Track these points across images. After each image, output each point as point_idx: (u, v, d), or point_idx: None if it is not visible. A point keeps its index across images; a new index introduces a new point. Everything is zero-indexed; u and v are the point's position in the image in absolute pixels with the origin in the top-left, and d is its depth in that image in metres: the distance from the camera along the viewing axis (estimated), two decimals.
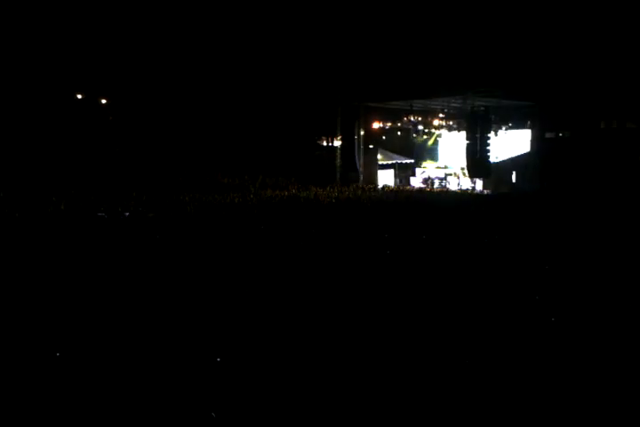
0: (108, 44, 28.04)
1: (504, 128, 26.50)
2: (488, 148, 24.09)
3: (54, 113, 27.02)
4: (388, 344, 6.35)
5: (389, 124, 29.95)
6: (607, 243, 12.19)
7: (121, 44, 28.36)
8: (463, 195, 24.76)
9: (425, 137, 30.85)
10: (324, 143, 33.50)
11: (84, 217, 15.36)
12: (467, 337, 6.57)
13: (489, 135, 24.17)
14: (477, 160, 24.21)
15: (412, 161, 30.75)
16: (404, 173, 30.25)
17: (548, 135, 26.62)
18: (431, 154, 31.41)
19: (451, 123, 28.65)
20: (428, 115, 29.18)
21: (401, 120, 29.28)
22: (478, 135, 24.07)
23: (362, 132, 29.21)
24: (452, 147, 29.71)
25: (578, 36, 24.13)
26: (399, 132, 30.34)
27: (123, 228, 13.94)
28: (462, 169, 26.91)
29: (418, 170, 30.10)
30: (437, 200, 22.03)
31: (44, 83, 26.69)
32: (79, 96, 28.93)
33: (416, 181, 29.15)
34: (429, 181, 28.38)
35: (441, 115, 28.65)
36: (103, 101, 29.86)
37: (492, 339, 6.54)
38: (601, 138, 25.07)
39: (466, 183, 26.96)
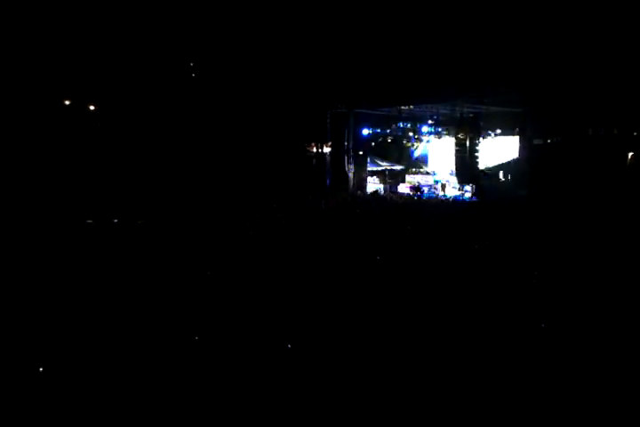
0: (96, 48, 27.89)
1: (492, 135, 26.69)
2: (477, 154, 24.26)
3: (41, 119, 26.81)
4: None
5: (379, 130, 30.03)
6: (595, 248, 12.25)
7: (109, 48, 28.23)
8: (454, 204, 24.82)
9: (414, 143, 30.96)
10: (314, 150, 33.51)
11: (71, 224, 15.22)
12: (458, 346, 6.55)
13: (478, 142, 24.33)
14: (466, 166, 24.34)
15: (402, 167, 30.81)
16: (393, 179, 30.26)
17: (536, 142, 26.82)
18: (420, 160, 31.52)
19: (440, 129, 28.78)
20: (417, 121, 29.31)
21: (390, 126, 29.36)
22: (467, 142, 24.22)
23: (351, 139, 29.26)
24: (440, 153, 29.83)
25: (566, 44, 24.36)
26: (389, 139, 30.42)
27: (110, 235, 13.83)
28: (451, 175, 27.03)
29: (408, 176, 30.13)
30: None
31: (31, 89, 26.49)
32: (67, 102, 28.74)
33: (404, 188, 29.12)
34: (418, 188, 28.38)
35: (430, 121, 28.79)
36: (91, 108, 29.69)
37: (482, 347, 6.52)
38: (589, 144, 25.30)
39: (454, 190, 26.99)
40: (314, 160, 32.73)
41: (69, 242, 12.63)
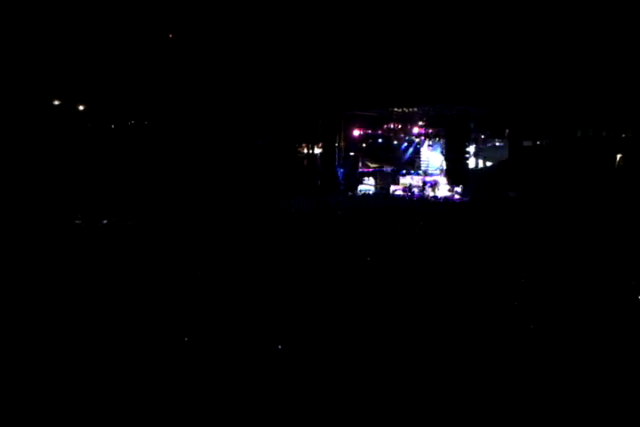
0: (88, 47, 27.72)
1: (482, 136, 26.92)
2: (467, 155, 24.46)
3: (30, 119, 26.61)
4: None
5: (370, 131, 30.14)
6: (584, 249, 12.33)
7: (101, 47, 28.07)
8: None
9: (405, 144, 31.09)
10: (305, 151, 33.53)
11: (60, 224, 15.13)
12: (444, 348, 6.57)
13: (467, 143, 24.54)
14: (456, 167, 24.53)
15: (393, 168, 30.91)
16: (384, 180, 30.34)
17: (525, 143, 27.02)
18: (411, 161, 31.64)
19: (430, 130, 28.92)
20: (407, 122, 29.43)
21: (381, 128, 29.47)
22: (457, 143, 24.41)
23: (342, 140, 29.30)
24: (431, 154, 29.96)
25: (556, 47, 24.57)
26: (380, 140, 30.52)
27: (98, 235, 13.77)
28: (440, 175, 27.19)
29: (401, 178, 30.21)
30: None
31: (20, 88, 26.29)
32: (56, 102, 28.55)
33: (396, 189, 29.19)
34: (409, 189, 28.48)
35: (421, 122, 28.92)
36: (81, 108, 29.50)
37: (473, 347, 6.54)
38: (577, 146, 25.51)
39: (444, 191, 27.13)
40: (305, 161, 32.74)
41: (57, 242, 12.55)
